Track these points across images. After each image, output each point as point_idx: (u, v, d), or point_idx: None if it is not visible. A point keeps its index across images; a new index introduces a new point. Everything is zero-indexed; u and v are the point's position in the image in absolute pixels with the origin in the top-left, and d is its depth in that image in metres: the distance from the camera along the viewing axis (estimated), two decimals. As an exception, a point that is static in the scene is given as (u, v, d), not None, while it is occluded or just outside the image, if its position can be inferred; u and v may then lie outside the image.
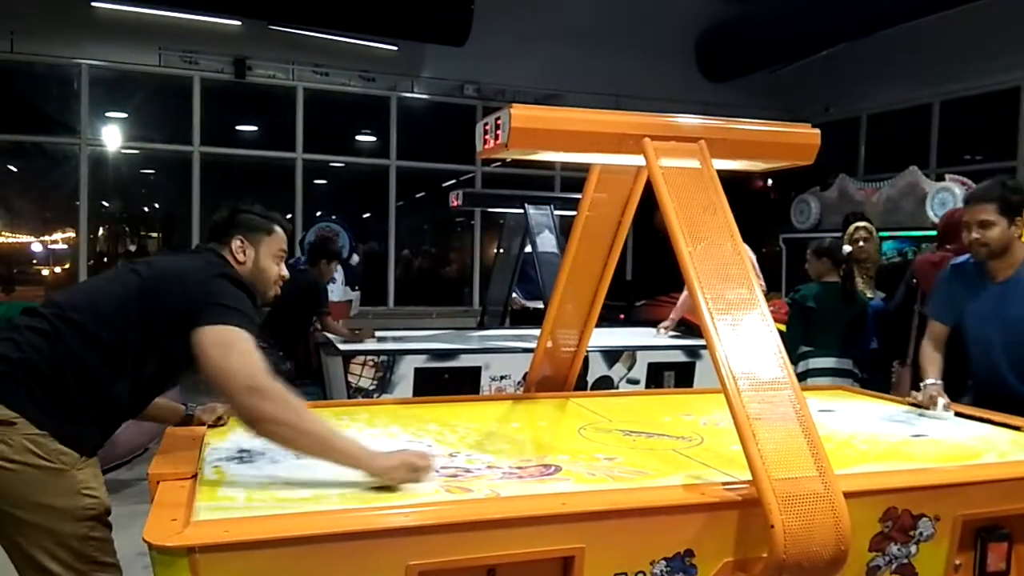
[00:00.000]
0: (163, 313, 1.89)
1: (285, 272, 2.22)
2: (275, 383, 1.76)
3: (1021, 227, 2.81)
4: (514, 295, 5.98)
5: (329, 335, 5.01)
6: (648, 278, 8.40)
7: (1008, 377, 2.81)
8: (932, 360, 2.94)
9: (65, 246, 9.30)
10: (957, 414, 2.62)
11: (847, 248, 4.46)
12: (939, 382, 2.81)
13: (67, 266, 9.21)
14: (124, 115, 9.01)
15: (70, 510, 1.81)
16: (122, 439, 4.81)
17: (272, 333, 5.15)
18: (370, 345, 4.78)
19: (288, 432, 1.73)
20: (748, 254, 4.83)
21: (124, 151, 8.99)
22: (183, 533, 1.39)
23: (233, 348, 1.79)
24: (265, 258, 2.15)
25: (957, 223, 4.59)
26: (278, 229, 2.19)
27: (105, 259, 9.50)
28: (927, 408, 2.68)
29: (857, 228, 4.95)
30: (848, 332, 4.29)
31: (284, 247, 2.21)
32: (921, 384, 2.83)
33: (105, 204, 9.57)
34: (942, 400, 2.67)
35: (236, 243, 2.11)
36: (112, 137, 8.86)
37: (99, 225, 9.53)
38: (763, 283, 5.16)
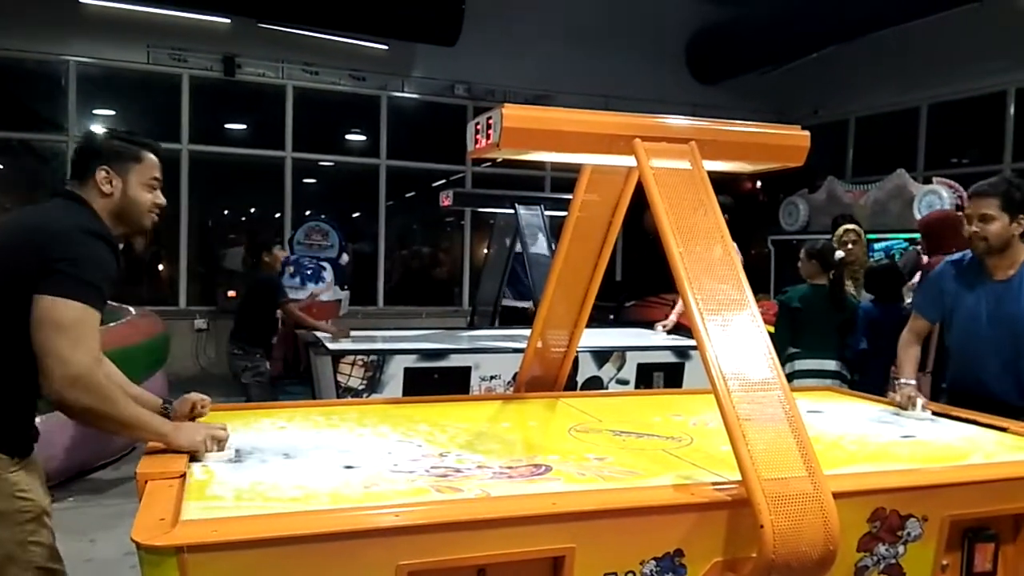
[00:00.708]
0: (15, 274, 1.76)
1: (161, 200, 2.06)
2: (97, 375, 1.73)
3: (1022, 225, 2.81)
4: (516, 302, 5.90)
5: (317, 334, 5.00)
6: (638, 279, 8.40)
7: (998, 377, 2.81)
8: (911, 357, 2.96)
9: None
10: (942, 415, 2.64)
11: (839, 253, 4.48)
12: (913, 382, 2.83)
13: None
14: (112, 113, 8.96)
15: (5, 514, 1.76)
16: (109, 438, 4.78)
17: (244, 337, 5.16)
18: (360, 344, 4.77)
19: (102, 423, 1.77)
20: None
21: (112, 149, 8.92)
22: (171, 532, 1.38)
23: (69, 330, 1.70)
24: (135, 187, 1.98)
25: (941, 226, 4.64)
26: (148, 155, 2.03)
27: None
28: (905, 408, 2.69)
29: (846, 231, 4.98)
30: (837, 334, 4.31)
31: (157, 174, 2.04)
32: (896, 383, 2.84)
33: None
34: (920, 400, 2.69)
35: (101, 174, 1.94)
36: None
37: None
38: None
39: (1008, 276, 2.81)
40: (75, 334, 1.71)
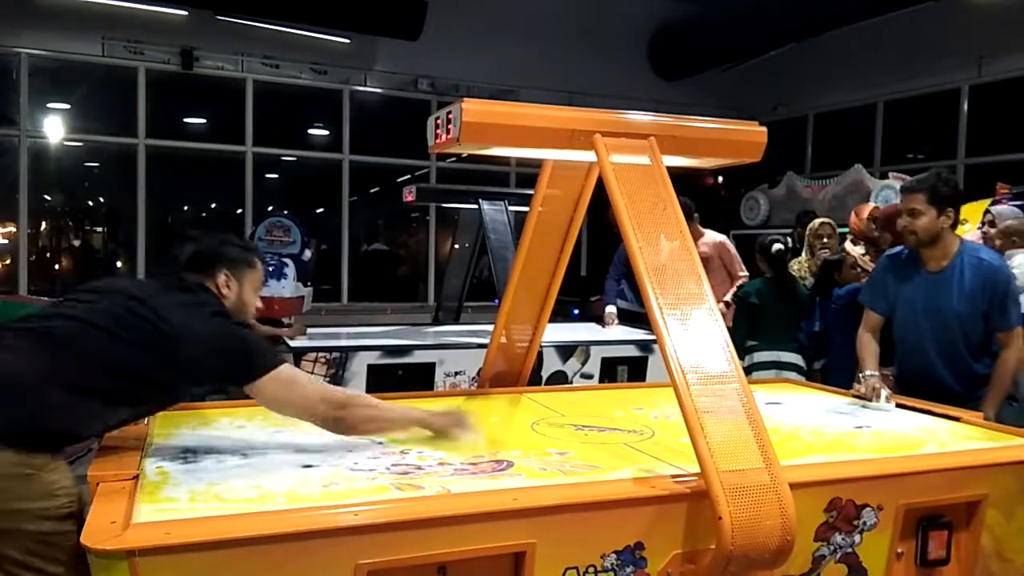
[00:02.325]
0: (180, 362, 1.87)
1: (260, 304, 2.27)
2: (339, 392, 2.07)
3: (952, 219, 2.89)
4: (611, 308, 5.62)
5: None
6: (603, 274, 8.44)
7: (937, 366, 2.90)
8: (870, 351, 3.03)
9: (5, 241, 8.98)
10: (900, 406, 2.69)
11: (777, 247, 4.56)
12: (877, 373, 2.89)
13: (7, 261, 8.90)
14: (66, 106, 8.73)
15: (45, 510, 1.75)
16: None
17: None
18: (322, 342, 4.72)
19: (375, 426, 2.05)
20: (730, 248, 4.87)
21: (66, 143, 8.70)
22: (122, 536, 1.35)
23: (291, 385, 1.95)
24: (248, 292, 2.18)
25: (892, 221, 4.75)
26: (259, 262, 2.24)
27: (48, 254, 9.19)
28: (870, 400, 2.74)
29: (822, 224, 4.96)
30: (793, 326, 4.39)
31: (262, 279, 2.26)
32: (860, 375, 2.90)
33: (47, 198, 9.27)
34: (884, 391, 2.74)
35: (222, 278, 2.12)
36: (54, 129, 8.57)
37: (41, 219, 9.23)
38: (746, 273, 5.23)
39: (941, 267, 2.92)
40: (297, 380, 1.99)
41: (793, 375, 4.03)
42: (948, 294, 2.87)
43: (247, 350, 1.94)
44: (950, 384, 2.87)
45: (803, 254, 5.06)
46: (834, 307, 4.32)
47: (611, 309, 5.49)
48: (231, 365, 1.92)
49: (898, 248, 3.11)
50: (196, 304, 2.03)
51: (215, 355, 1.91)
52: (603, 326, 5.48)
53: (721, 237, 5.24)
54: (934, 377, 2.90)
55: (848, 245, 4.89)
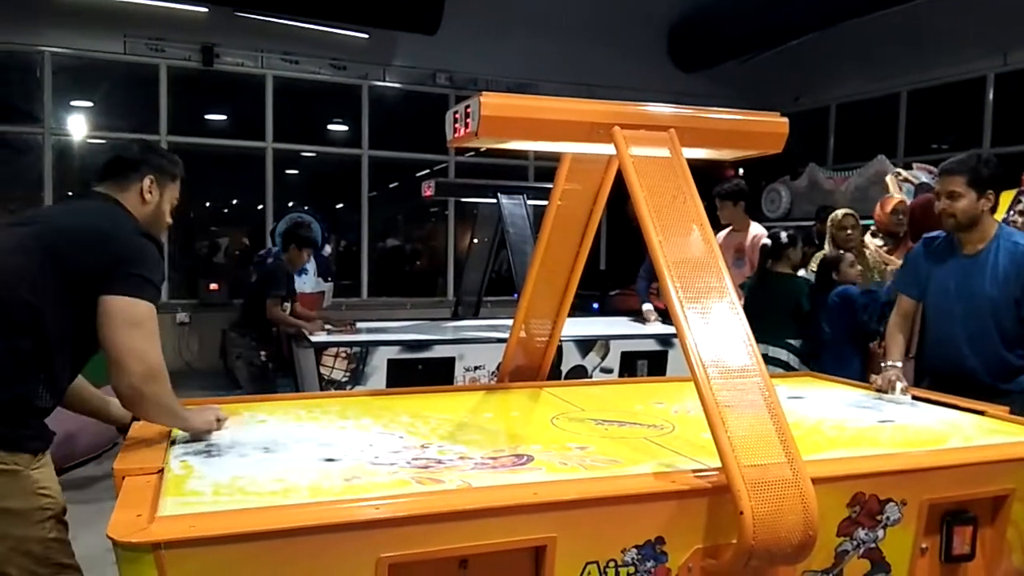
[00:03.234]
0: (80, 272, 1.81)
1: (170, 220, 2.17)
2: (164, 368, 1.85)
3: (992, 202, 2.84)
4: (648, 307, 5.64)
5: (291, 327, 4.93)
6: (622, 267, 8.41)
7: (966, 353, 2.84)
8: (896, 341, 2.99)
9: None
10: (922, 399, 2.66)
11: (765, 241, 4.53)
12: (899, 365, 2.86)
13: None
14: (89, 104, 8.83)
15: (28, 512, 1.77)
16: (84, 436, 4.73)
17: (245, 323, 5.09)
18: (343, 336, 4.75)
19: (156, 412, 1.89)
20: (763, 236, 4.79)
21: (89, 140, 8.81)
22: (148, 529, 1.37)
23: (141, 327, 1.80)
24: (166, 203, 2.11)
25: (924, 212, 4.69)
26: (180, 176, 2.17)
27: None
28: (885, 391, 2.71)
29: (845, 215, 4.86)
30: (782, 322, 4.38)
31: (178, 197, 2.17)
32: (882, 365, 2.87)
33: (71, 195, 9.39)
34: (900, 384, 2.71)
35: (147, 181, 2.05)
36: (77, 126, 8.69)
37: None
38: None
39: (977, 251, 2.85)
40: (148, 330, 1.81)
41: (779, 372, 4.01)
42: (981, 278, 2.81)
43: (132, 259, 1.83)
44: (980, 373, 2.81)
45: (826, 247, 4.99)
46: (828, 307, 4.27)
47: (648, 306, 5.52)
48: (107, 262, 1.80)
49: (935, 232, 3.04)
50: (107, 212, 1.96)
51: (99, 251, 1.82)
52: (644, 323, 5.48)
53: (761, 231, 5.10)
54: (963, 365, 2.84)
55: (867, 238, 4.83)
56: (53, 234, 1.89)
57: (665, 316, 5.40)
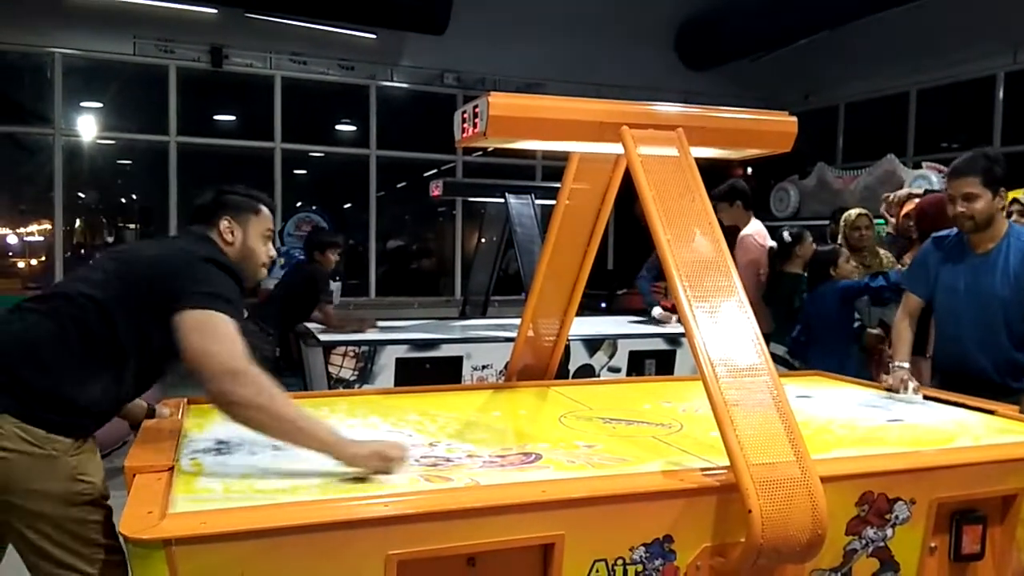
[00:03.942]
0: (149, 300, 1.87)
1: (273, 253, 2.21)
2: (253, 368, 1.76)
3: (1005, 200, 2.83)
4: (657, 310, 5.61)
5: (320, 324, 4.97)
6: (630, 267, 8.39)
7: (975, 352, 2.83)
8: (904, 339, 2.97)
9: (41, 238, 9.17)
10: (930, 398, 2.65)
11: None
12: (906, 365, 2.84)
13: (43, 258, 9.08)
14: (99, 105, 8.88)
15: (65, 495, 1.80)
16: (98, 433, 4.76)
17: (266, 319, 5.12)
18: (351, 335, 4.76)
19: (263, 417, 1.74)
20: (745, 240, 4.78)
21: (99, 141, 8.86)
22: (159, 525, 1.38)
23: (215, 332, 1.79)
24: (253, 239, 2.13)
25: (937, 210, 4.66)
26: (264, 209, 2.18)
27: (83, 251, 9.36)
28: (897, 391, 2.70)
29: (859, 215, 4.81)
30: (781, 318, 4.38)
31: (271, 227, 2.20)
32: (890, 365, 2.86)
33: (81, 195, 9.44)
34: (912, 383, 2.70)
35: (224, 224, 2.09)
36: (87, 127, 8.73)
37: (75, 216, 9.40)
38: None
39: (988, 249, 2.83)
40: (221, 332, 1.80)
41: (780, 370, 4.02)
42: (991, 276, 2.79)
43: (198, 278, 1.86)
44: (988, 372, 2.80)
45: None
46: (816, 305, 4.25)
47: (658, 310, 5.52)
48: (173, 285, 1.84)
49: (945, 231, 3.02)
50: (179, 244, 2.03)
51: (166, 276, 1.87)
52: (661, 324, 5.45)
53: (752, 231, 5.03)
54: (972, 364, 2.83)
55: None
56: (136, 258, 2.01)
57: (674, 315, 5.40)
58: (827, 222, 6.59)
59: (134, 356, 1.90)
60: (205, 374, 1.76)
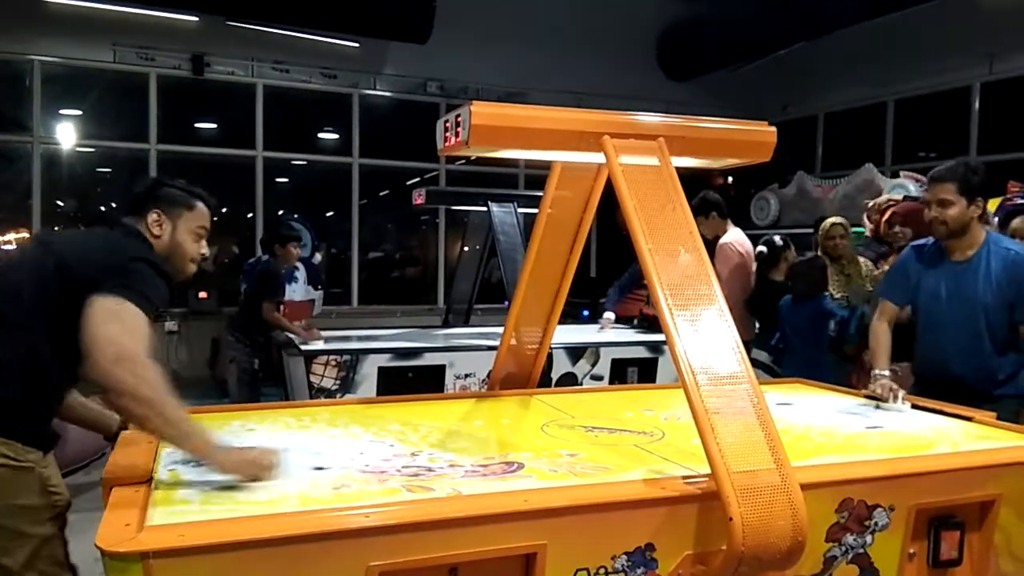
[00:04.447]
0: (78, 286, 1.81)
1: (205, 250, 2.16)
2: (147, 360, 1.70)
3: (981, 208, 2.87)
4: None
5: (286, 331, 4.93)
6: (612, 275, 8.41)
7: (954, 359, 2.86)
8: (883, 346, 2.97)
9: (17, 247, 9.06)
10: (914, 406, 2.67)
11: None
12: (887, 373, 2.84)
13: (20, 267, 8.97)
14: (78, 112, 8.80)
15: (39, 508, 1.79)
16: (72, 444, 4.69)
17: (238, 328, 5.08)
18: (333, 344, 4.74)
19: (143, 411, 1.68)
20: (724, 248, 4.83)
21: (79, 149, 8.78)
22: (136, 538, 1.36)
23: (117, 317, 1.73)
24: (182, 234, 2.09)
25: (915, 218, 4.73)
26: (200, 205, 2.13)
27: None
28: (886, 400, 2.71)
29: (833, 225, 4.85)
30: (763, 327, 4.45)
31: (205, 224, 2.15)
32: (872, 375, 2.87)
33: (60, 204, 9.34)
34: (900, 392, 2.71)
35: (152, 216, 2.06)
36: (66, 135, 8.65)
37: (54, 225, 9.29)
38: None
39: (967, 257, 2.88)
40: (126, 321, 1.74)
41: (763, 376, 4.06)
42: (974, 283, 2.83)
43: (121, 273, 1.81)
44: (969, 379, 2.83)
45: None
46: (794, 317, 4.29)
47: (609, 315, 5.58)
48: (96, 280, 1.79)
49: (923, 240, 3.06)
50: (114, 238, 1.99)
51: (94, 264, 1.84)
52: (602, 328, 5.52)
53: (730, 239, 5.05)
54: (953, 371, 2.86)
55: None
56: (66, 253, 1.94)
57: (654, 322, 5.43)
58: (810, 230, 6.64)
59: (69, 352, 1.80)
60: (95, 356, 1.68)
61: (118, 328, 1.71)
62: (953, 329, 2.87)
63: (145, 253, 1.96)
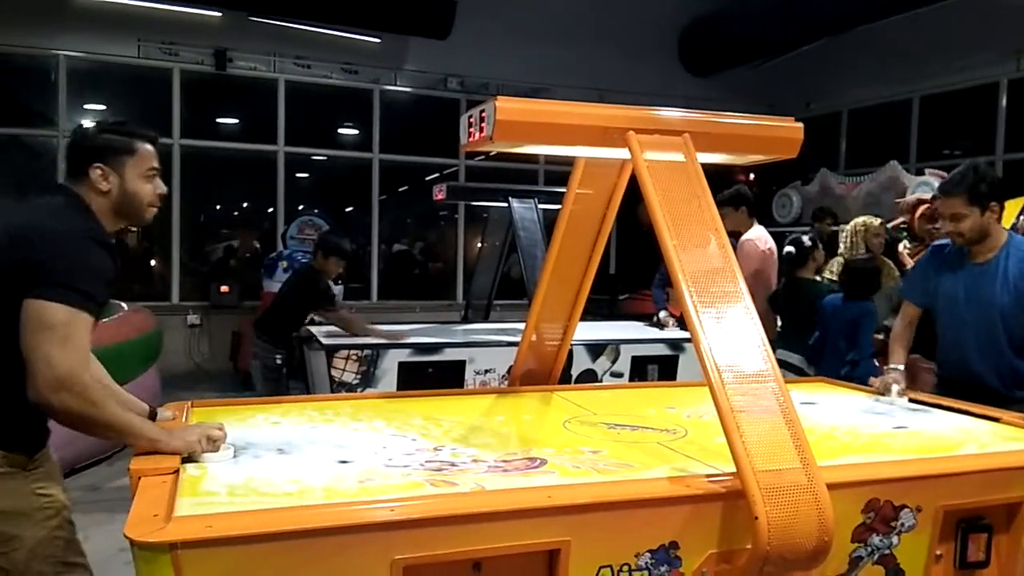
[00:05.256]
0: (12, 274, 1.73)
1: (162, 188, 2.03)
2: (83, 377, 1.69)
3: (998, 212, 2.83)
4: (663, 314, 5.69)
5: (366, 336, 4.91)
6: (632, 272, 8.39)
7: (975, 360, 2.84)
8: (901, 343, 3.01)
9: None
10: (936, 406, 2.64)
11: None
12: (901, 368, 2.88)
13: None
14: (103, 107, 8.90)
15: (26, 512, 1.77)
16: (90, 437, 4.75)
17: (265, 325, 5.11)
18: (353, 339, 4.75)
19: (92, 428, 1.73)
20: (746, 246, 4.80)
21: (103, 144, 8.86)
22: (165, 529, 1.37)
23: (55, 332, 1.67)
24: (132, 181, 1.94)
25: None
26: (142, 145, 1.97)
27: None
28: (883, 394, 2.73)
29: (882, 223, 4.85)
30: (803, 325, 4.37)
31: (154, 164, 2.00)
32: (885, 368, 2.89)
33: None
34: (896, 387, 2.71)
35: (95, 172, 1.90)
36: (90, 130, 8.74)
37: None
38: None
39: (987, 259, 2.85)
40: (62, 335, 1.68)
41: (790, 375, 4.02)
42: (992, 285, 2.81)
43: (61, 260, 1.71)
44: (989, 380, 2.81)
45: (849, 253, 4.94)
46: (839, 316, 4.23)
47: (665, 313, 5.57)
48: (43, 269, 1.70)
49: (944, 240, 3.04)
50: (56, 209, 1.84)
51: (28, 257, 1.71)
52: (660, 328, 5.49)
53: (754, 235, 5.03)
54: (972, 372, 2.84)
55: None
56: (5, 237, 1.82)
57: (681, 322, 5.41)
58: (833, 228, 6.60)
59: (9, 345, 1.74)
60: (35, 378, 1.67)
61: (48, 343, 1.67)
62: (972, 330, 2.86)
63: (84, 227, 1.83)
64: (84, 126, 1.99)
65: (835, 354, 4.17)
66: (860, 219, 5.05)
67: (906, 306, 3.10)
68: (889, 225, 4.96)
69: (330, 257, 5.06)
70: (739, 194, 4.86)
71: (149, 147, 2.00)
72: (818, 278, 4.66)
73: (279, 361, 4.91)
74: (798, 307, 4.45)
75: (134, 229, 2.02)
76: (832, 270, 4.86)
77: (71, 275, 1.73)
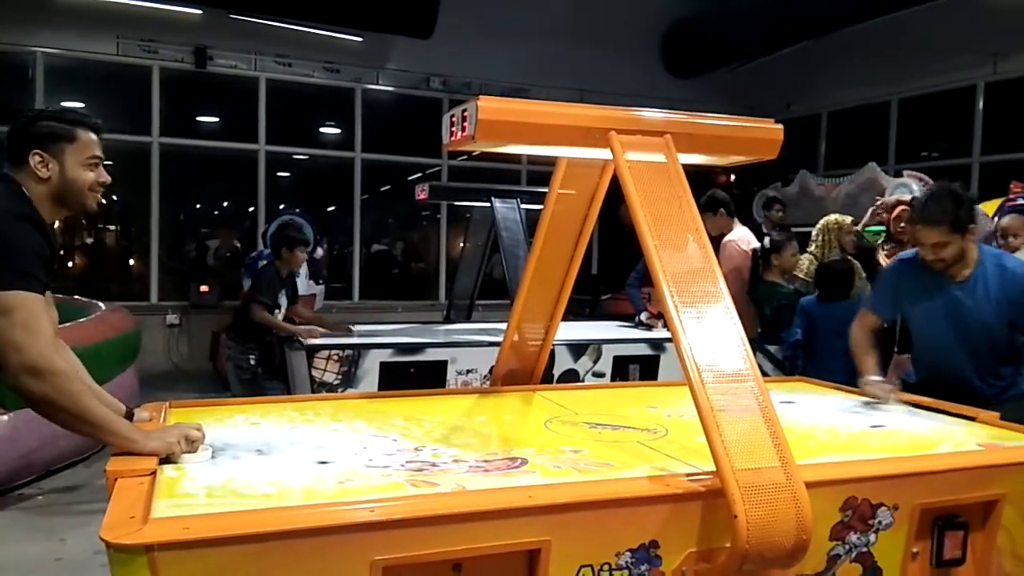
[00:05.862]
0: None
1: (105, 177, 2.00)
2: (56, 362, 1.70)
3: (975, 232, 2.83)
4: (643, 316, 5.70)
5: (280, 331, 4.90)
6: (614, 272, 8.40)
7: (972, 378, 2.84)
8: (870, 355, 2.93)
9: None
10: (913, 404, 2.67)
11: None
12: (881, 378, 2.84)
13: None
14: (81, 105, 8.78)
15: None
16: (68, 436, 4.68)
17: (236, 327, 5.08)
18: (335, 339, 4.74)
19: (66, 419, 1.71)
20: (728, 246, 4.81)
21: (80, 141, 8.76)
22: (141, 531, 1.36)
23: (12, 317, 1.67)
24: (73, 168, 1.93)
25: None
26: (83, 133, 1.96)
27: (62, 252, 9.25)
28: (887, 401, 2.71)
29: (852, 220, 4.86)
30: (767, 327, 4.41)
31: (96, 152, 1.98)
32: (862, 380, 2.83)
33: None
34: (893, 396, 2.71)
35: (35, 159, 1.89)
36: (68, 127, 8.64)
37: (55, 217, 9.29)
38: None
39: (965, 276, 2.81)
40: (22, 320, 1.68)
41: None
42: (973, 303, 2.79)
43: (7, 257, 1.69)
44: (972, 388, 2.82)
45: (812, 251, 4.96)
46: (824, 320, 4.23)
47: (646, 315, 5.57)
48: None
49: (912, 251, 3.00)
50: None
51: None
52: (649, 329, 5.49)
53: (735, 236, 5.05)
54: (956, 384, 2.83)
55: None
56: None
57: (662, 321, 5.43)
58: (811, 229, 6.64)
59: None
60: (7, 366, 1.67)
61: (20, 333, 1.67)
62: (956, 348, 2.83)
63: (13, 209, 1.81)
64: (26, 113, 1.97)
65: (832, 354, 4.19)
66: (832, 217, 5.06)
67: (868, 316, 3.02)
68: (857, 226, 4.99)
69: (295, 248, 5.04)
70: (713, 198, 4.87)
71: (91, 135, 1.99)
72: (782, 281, 4.66)
73: (252, 361, 4.89)
74: (761, 311, 4.51)
75: (78, 216, 1.93)
76: (802, 268, 4.87)
77: (12, 258, 1.72)
